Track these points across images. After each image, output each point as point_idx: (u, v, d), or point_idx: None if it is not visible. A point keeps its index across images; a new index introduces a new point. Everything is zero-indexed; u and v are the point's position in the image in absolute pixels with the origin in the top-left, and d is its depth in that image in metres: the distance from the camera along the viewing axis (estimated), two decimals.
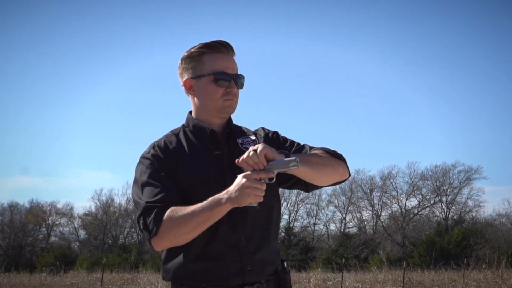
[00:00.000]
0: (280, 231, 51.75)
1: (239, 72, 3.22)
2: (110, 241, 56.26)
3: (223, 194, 2.87)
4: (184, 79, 3.24)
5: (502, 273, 24.52)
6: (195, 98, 3.24)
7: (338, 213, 55.28)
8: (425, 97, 69.32)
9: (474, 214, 53.37)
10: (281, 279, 3.19)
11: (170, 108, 63.54)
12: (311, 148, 3.29)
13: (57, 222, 57.79)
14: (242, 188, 2.83)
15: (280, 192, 3.40)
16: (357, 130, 71.31)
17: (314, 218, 55.17)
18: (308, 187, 3.31)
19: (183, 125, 3.31)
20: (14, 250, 54.12)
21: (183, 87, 3.27)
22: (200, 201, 2.93)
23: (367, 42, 68.32)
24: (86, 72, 70.06)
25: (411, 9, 65.40)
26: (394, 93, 69.27)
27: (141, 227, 3.03)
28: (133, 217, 55.83)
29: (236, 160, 2.93)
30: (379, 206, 54.25)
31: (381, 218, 53.96)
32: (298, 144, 3.33)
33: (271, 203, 3.21)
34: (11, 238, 55.34)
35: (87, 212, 57.64)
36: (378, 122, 69.11)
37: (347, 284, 23.05)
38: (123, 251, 47.54)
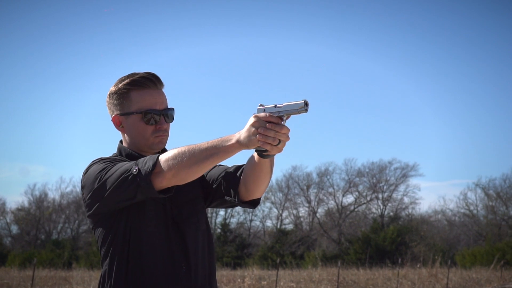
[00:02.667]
0: (216, 227, 51.47)
1: (168, 105, 3.14)
2: (43, 236, 55.35)
3: (234, 134, 2.73)
4: (113, 115, 3.15)
5: (436, 271, 24.71)
6: (125, 134, 3.16)
7: (275, 210, 55.25)
8: (362, 94, 69.78)
9: (410, 211, 54.03)
10: None
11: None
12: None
13: None
14: (250, 127, 2.68)
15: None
16: (292, 126, 71.08)
17: (250, 214, 54.96)
18: (244, 194, 3.12)
19: (114, 154, 3.20)
20: None
21: (112, 122, 3.18)
22: (151, 213, 2.95)
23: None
24: None
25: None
26: (332, 89, 69.53)
27: (134, 173, 2.81)
28: (67, 212, 55.10)
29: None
30: (316, 203, 54.50)
31: (317, 214, 54.20)
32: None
33: (204, 226, 3.13)
34: None
35: (19, 207, 56.60)
36: (315, 119, 69.25)
37: (282, 283, 22.87)
38: (56, 247, 46.86)
